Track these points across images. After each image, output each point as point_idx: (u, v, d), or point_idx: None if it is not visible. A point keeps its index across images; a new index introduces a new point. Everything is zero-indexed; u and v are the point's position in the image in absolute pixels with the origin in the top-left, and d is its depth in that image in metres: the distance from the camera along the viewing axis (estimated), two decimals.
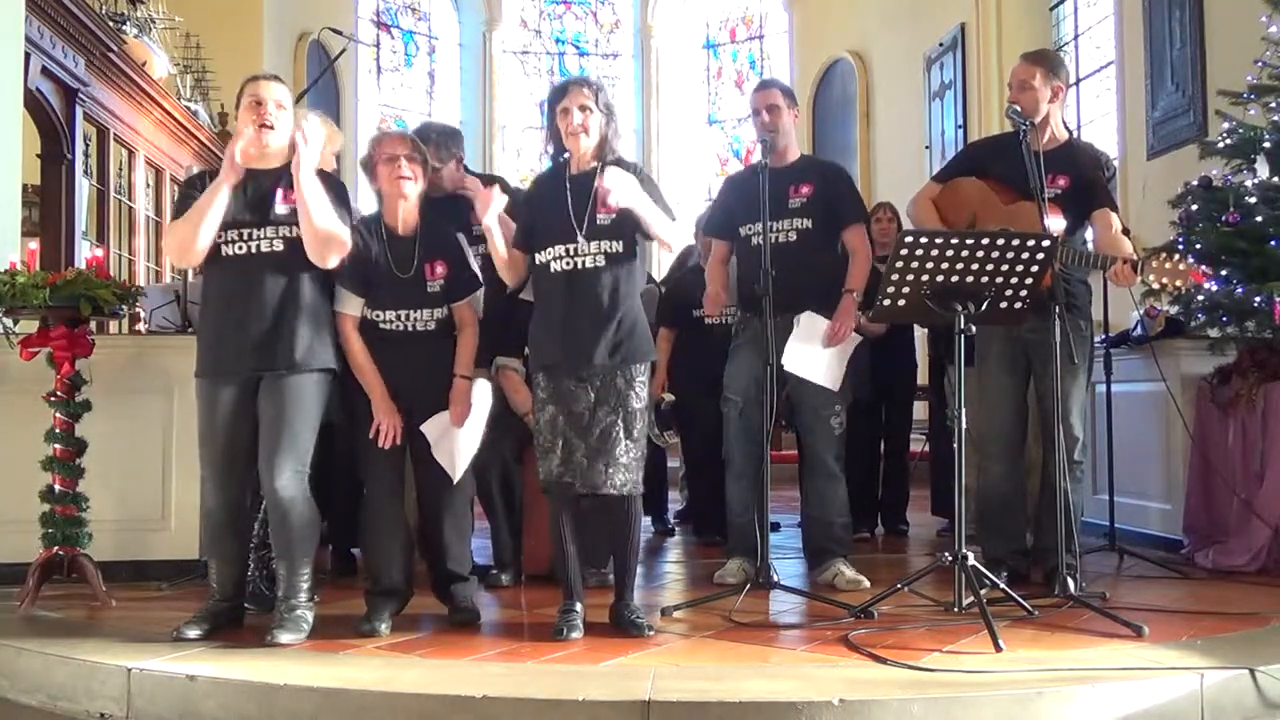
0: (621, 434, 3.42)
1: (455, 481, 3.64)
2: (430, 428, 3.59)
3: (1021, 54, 4.37)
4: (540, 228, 3.57)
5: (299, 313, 3.42)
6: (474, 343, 3.68)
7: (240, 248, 3.42)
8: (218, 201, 3.40)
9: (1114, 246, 4.05)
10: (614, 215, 3.48)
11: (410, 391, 3.57)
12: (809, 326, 4.21)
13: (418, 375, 3.58)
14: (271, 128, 3.46)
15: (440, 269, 3.62)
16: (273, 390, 3.41)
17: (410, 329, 3.59)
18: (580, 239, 3.46)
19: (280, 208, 3.44)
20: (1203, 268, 4.05)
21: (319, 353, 3.46)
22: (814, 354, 4.20)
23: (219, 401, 3.44)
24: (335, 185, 3.56)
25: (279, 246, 3.43)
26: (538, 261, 3.55)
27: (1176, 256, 3.93)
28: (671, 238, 3.59)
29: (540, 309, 3.57)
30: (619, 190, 3.38)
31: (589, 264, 3.47)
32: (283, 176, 3.48)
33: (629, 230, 3.50)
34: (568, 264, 3.47)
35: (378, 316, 3.58)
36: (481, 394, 3.75)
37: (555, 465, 3.44)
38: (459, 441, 3.62)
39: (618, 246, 3.49)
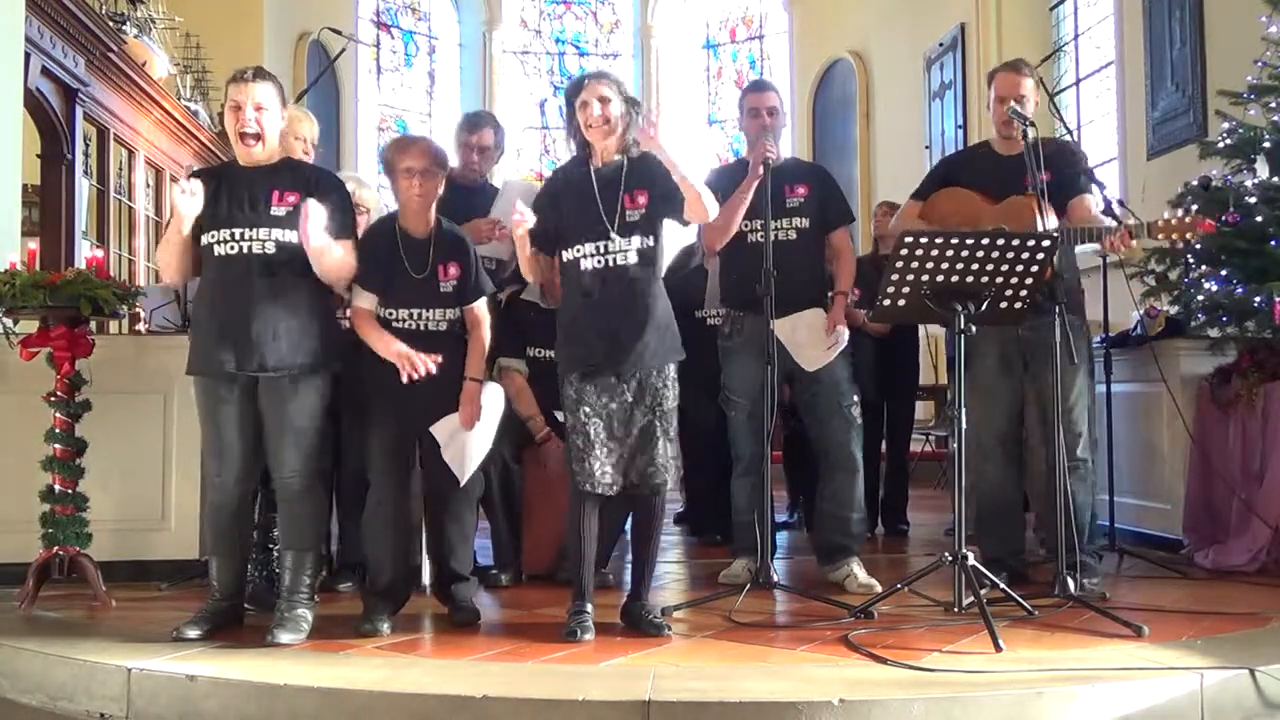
0: (660, 433, 3.42)
1: (462, 483, 3.65)
2: (440, 429, 3.59)
3: (1004, 65, 4.32)
4: (568, 225, 3.48)
5: (291, 314, 3.42)
6: (485, 345, 3.70)
7: (232, 248, 3.42)
8: (180, 242, 3.44)
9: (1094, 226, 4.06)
10: (643, 210, 3.45)
11: (420, 390, 3.56)
12: (802, 326, 4.22)
13: (428, 374, 3.58)
14: (257, 136, 3.46)
15: (454, 270, 3.64)
16: (272, 390, 3.42)
17: (422, 328, 3.61)
18: (613, 235, 3.42)
19: (275, 209, 3.43)
20: (1208, 219, 4.01)
21: (314, 353, 3.46)
22: (808, 339, 4.23)
23: (218, 400, 3.45)
24: (336, 187, 3.57)
25: (270, 249, 3.42)
26: (565, 259, 3.46)
27: (1181, 211, 3.90)
28: (709, 203, 3.46)
29: (570, 309, 3.47)
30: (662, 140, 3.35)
31: (621, 261, 3.43)
32: (276, 176, 3.48)
33: (657, 225, 3.48)
34: (599, 262, 3.42)
35: (391, 315, 3.61)
36: (494, 398, 3.76)
37: (596, 468, 3.37)
38: (468, 444, 3.63)
39: (648, 241, 3.47)
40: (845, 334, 4.27)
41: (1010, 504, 4.28)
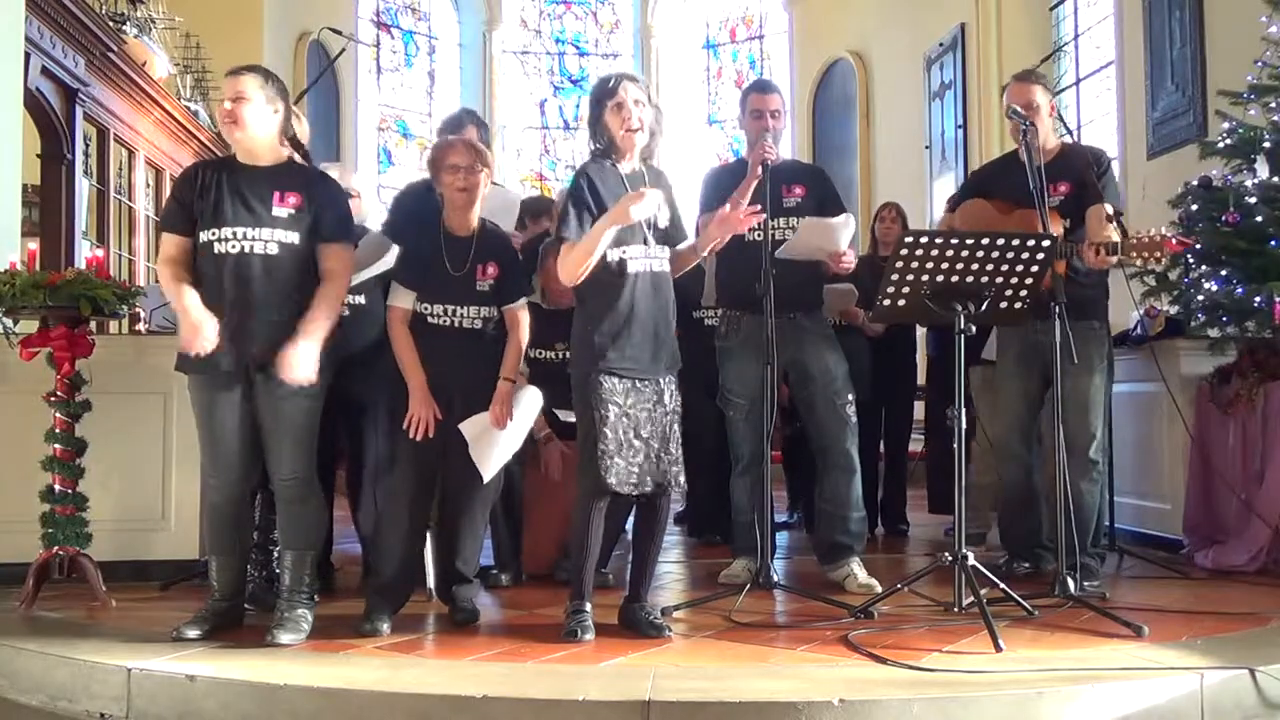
0: (676, 434, 3.48)
1: (485, 482, 3.67)
2: (469, 427, 3.61)
3: (1013, 76, 4.38)
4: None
5: (289, 315, 3.40)
6: (522, 346, 3.74)
7: (233, 247, 3.39)
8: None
9: (1098, 238, 4.07)
10: (669, 220, 3.51)
11: (452, 386, 3.59)
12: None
13: (460, 371, 3.60)
14: (234, 123, 3.42)
15: (492, 270, 3.67)
16: (269, 391, 3.40)
17: (457, 325, 3.65)
18: (650, 240, 3.46)
19: (277, 210, 3.42)
20: (1176, 237, 4.02)
21: None
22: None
23: (214, 399, 3.43)
24: (335, 189, 3.57)
25: (273, 250, 3.41)
26: (609, 259, 3.41)
27: (1153, 230, 3.93)
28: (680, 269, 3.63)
29: (612, 309, 3.39)
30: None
31: (657, 267, 3.48)
32: (278, 177, 3.47)
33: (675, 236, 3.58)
34: (643, 265, 3.44)
35: (426, 310, 3.64)
36: (530, 401, 3.78)
37: (626, 467, 3.36)
38: (496, 443, 3.64)
39: (667, 252, 3.53)
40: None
41: (1030, 497, 4.36)
